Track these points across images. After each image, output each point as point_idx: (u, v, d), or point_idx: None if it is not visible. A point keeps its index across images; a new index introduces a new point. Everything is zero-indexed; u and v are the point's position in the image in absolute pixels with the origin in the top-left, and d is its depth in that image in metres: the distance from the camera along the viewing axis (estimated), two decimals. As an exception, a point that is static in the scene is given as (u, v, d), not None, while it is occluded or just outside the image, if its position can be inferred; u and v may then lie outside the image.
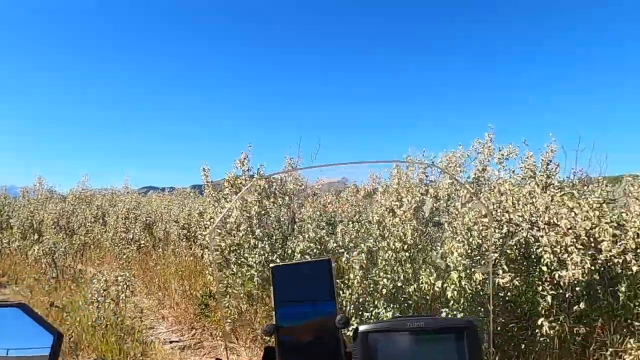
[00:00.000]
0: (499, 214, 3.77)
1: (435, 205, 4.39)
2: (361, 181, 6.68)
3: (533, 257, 4.02)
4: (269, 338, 1.00)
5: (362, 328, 0.80)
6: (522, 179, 4.90)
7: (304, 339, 0.79)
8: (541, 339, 3.63)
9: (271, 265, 0.83)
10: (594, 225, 3.88)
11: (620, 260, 3.80)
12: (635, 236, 3.78)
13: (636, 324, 3.85)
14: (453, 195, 4.42)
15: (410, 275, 3.43)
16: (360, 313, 3.25)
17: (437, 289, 3.28)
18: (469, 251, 3.29)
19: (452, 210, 4.14)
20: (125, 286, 5.16)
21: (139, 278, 7.53)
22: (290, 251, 3.68)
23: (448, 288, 3.44)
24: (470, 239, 3.30)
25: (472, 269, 3.25)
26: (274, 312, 0.79)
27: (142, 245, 8.44)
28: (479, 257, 3.55)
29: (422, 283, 3.34)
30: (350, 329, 0.84)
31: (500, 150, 4.42)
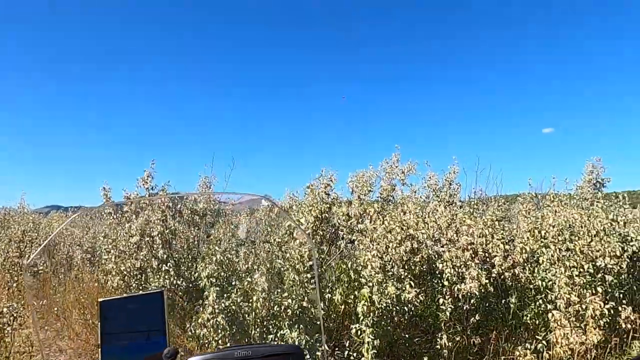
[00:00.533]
0: (402, 231, 3.93)
1: (345, 222, 4.49)
2: (278, 198, 6.66)
3: (437, 272, 4.23)
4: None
5: (192, 359, 0.77)
6: (426, 197, 5.19)
7: None
8: (441, 350, 3.80)
9: (99, 299, 0.77)
10: (488, 242, 4.18)
11: (511, 274, 4.13)
12: (522, 251, 4.12)
13: (525, 333, 4.18)
14: (362, 213, 4.56)
15: (316, 295, 3.43)
16: (265, 336, 3.20)
17: (345, 306, 3.31)
18: (383, 265, 3.38)
19: (362, 227, 4.26)
20: (12, 318, 4.64)
21: (34, 308, 6.85)
22: (197, 275, 3.53)
23: (358, 303, 3.49)
24: (385, 256, 3.39)
25: (385, 284, 3.33)
26: (99, 350, 0.74)
27: (39, 271, 7.70)
28: (391, 273, 3.65)
29: (330, 300, 3.35)
30: None
31: (402, 171, 4.64)
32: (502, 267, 4.06)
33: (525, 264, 4.12)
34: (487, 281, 3.86)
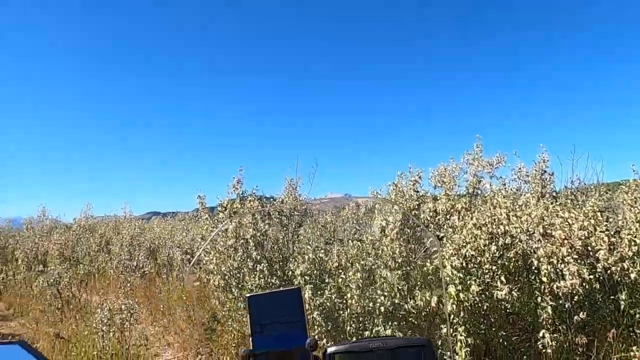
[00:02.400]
0: (493, 226, 3.79)
1: (432, 219, 4.43)
2: (364, 197, 6.73)
3: (533, 268, 4.03)
4: None
5: (330, 350, 0.85)
6: (516, 189, 4.94)
7: None
8: (543, 350, 3.62)
9: (247, 295, 0.88)
10: (590, 234, 3.90)
11: (618, 269, 3.81)
12: (631, 243, 3.79)
13: (638, 331, 3.83)
14: (450, 209, 4.46)
15: (405, 292, 3.44)
16: (360, 331, 3.27)
17: (433, 305, 3.28)
18: (464, 264, 3.31)
19: (449, 224, 4.18)
20: (129, 314, 5.18)
21: (143, 305, 7.55)
22: (290, 273, 3.71)
23: (447, 303, 3.45)
24: (464, 251, 3.32)
25: (468, 282, 3.26)
26: (250, 338, 0.84)
27: (146, 272, 8.47)
28: (474, 269, 3.56)
29: (418, 300, 3.34)
30: (319, 351, 0.89)
31: (489, 163, 4.47)
32: (608, 262, 3.77)
33: (636, 258, 3.79)
34: (591, 277, 3.61)
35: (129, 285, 7.83)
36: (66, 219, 14.60)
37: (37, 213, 14.41)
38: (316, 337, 3.25)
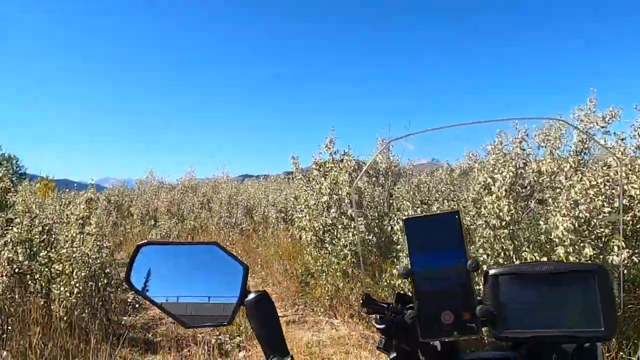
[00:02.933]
0: (606, 187, 3.49)
1: (536, 180, 4.18)
2: (456, 159, 6.51)
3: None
4: (403, 280, 1.05)
5: (492, 271, 0.83)
6: (635, 148, 4.46)
7: (438, 282, 0.84)
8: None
9: (403, 217, 0.90)
10: None
11: None
12: None
13: None
14: (556, 169, 4.17)
15: (511, 252, 3.32)
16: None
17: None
18: (577, 225, 3.11)
19: (556, 185, 3.92)
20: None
21: (242, 258, 8.11)
22: (389, 229, 3.74)
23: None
24: (577, 213, 3.11)
25: (582, 244, 3.07)
26: (408, 259, 0.86)
27: (243, 229, 9.04)
28: (587, 232, 3.33)
29: (524, 260, 3.22)
30: (480, 272, 0.88)
31: (602, 116, 4.06)
32: None
33: None
34: None
35: (229, 239, 8.43)
36: (170, 179, 15.93)
37: (145, 175, 15.90)
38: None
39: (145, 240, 0.85)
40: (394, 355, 0.87)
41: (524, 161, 3.66)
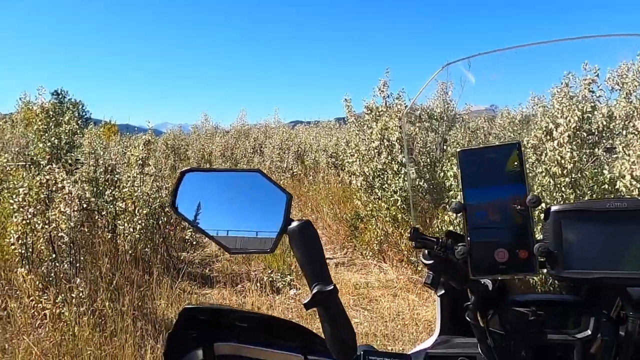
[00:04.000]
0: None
1: (607, 126, 3.87)
2: (518, 104, 6.14)
3: None
4: (456, 215, 1.01)
5: (554, 208, 0.76)
6: None
7: (493, 217, 0.78)
8: None
9: (458, 149, 0.83)
10: None
11: None
12: None
13: None
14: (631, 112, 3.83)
15: (572, 202, 3.15)
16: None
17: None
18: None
19: (630, 130, 3.61)
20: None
21: (294, 202, 8.29)
22: (442, 175, 3.63)
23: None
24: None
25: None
26: (461, 193, 0.81)
27: (294, 173, 9.17)
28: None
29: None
30: (541, 208, 0.82)
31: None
32: None
33: None
34: None
35: (280, 183, 8.59)
36: (224, 124, 16.28)
37: (200, 119, 16.32)
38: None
39: (189, 167, 0.85)
40: (441, 292, 0.84)
41: (592, 105, 3.37)
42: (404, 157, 4.50)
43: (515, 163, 0.77)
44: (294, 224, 0.73)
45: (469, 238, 0.78)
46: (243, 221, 0.78)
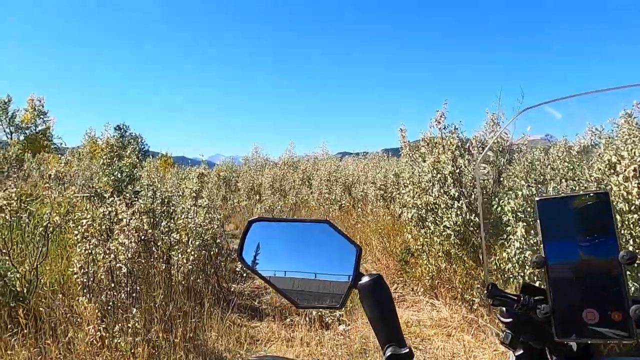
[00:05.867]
0: None
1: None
2: (575, 134, 5.86)
3: None
4: (537, 270, 0.96)
5: None
6: None
7: (578, 275, 0.73)
8: None
9: (536, 198, 0.79)
10: None
11: None
12: None
13: None
14: None
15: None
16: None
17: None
18: None
19: None
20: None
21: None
22: (499, 209, 3.49)
23: None
24: None
25: None
26: (542, 246, 0.76)
27: (343, 205, 9.15)
28: None
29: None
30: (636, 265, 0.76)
31: None
32: None
33: None
34: None
35: (329, 215, 8.60)
36: (274, 157, 16.66)
37: (251, 152, 16.80)
38: (526, 277, 3.05)
39: (257, 217, 0.86)
40: (520, 352, 0.78)
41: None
42: (456, 190, 4.38)
43: (603, 214, 0.71)
44: (365, 279, 0.72)
45: (552, 296, 0.73)
46: (311, 274, 0.77)
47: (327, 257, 0.79)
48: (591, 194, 0.75)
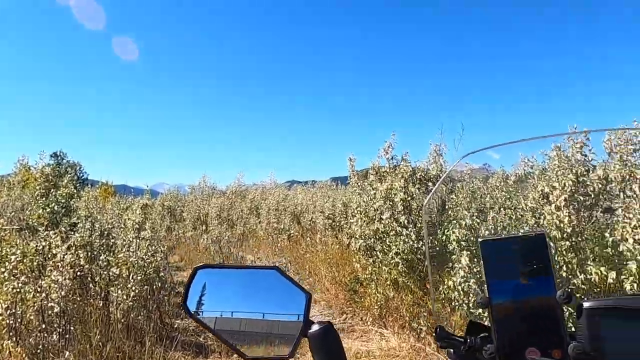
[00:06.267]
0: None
1: (602, 188, 3.90)
2: (511, 165, 6.22)
3: None
4: (481, 310, 0.97)
5: (587, 304, 0.71)
6: None
7: (520, 315, 0.75)
8: None
9: (479, 239, 0.81)
10: None
11: None
12: None
13: None
14: (628, 176, 3.89)
15: (574, 266, 3.11)
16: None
17: (611, 281, 2.92)
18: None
19: (628, 194, 3.64)
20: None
21: (290, 264, 8.16)
22: (444, 238, 3.61)
23: (625, 280, 3.05)
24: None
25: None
26: (485, 286, 0.78)
27: (291, 235, 9.09)
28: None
29: (590, 274, 3.00)
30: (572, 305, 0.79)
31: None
32: None
33: None
34: None
35: (277, 245, 8.50)
36: (221, 186, 16.35)
37: (198, 181, 16.41)
38: (470, 305, 3.14)
39: (202, 264, 0.82)
40: None
41: (586, 168, 3.43)
42: (406, 218, 4.48)
43: (541, 255, 0.75)
44: (315, 327, 0.70)
45: (496, 336, 0.75)
46: (259, 322, 0.75)
47: (275, 304, 0.76)
48: (529, 235, 0.78)
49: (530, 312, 0.74)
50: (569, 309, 0.83)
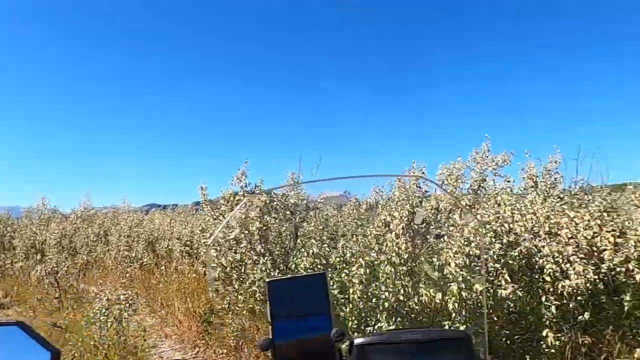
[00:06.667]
0: (497, 225, 3.76)
1: (434, 217, 4.39)
2: (363, 194, 6.69)
3: (536, 267, 4.00)
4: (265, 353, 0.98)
5: (357, 341, 0.78)
6: (524, 189, 4.91)
7: (300, 354, 0.77)
8: (546, 350, 3.59)
9: (267, 279, 0.82)
10: (595, 234, 3.87)
11: (623, 269, 3.79)
12: (638, 244, 3.76)
13: (643, 333, 3.81)
14: (452, 207, 4.43)
15: (410, 289, 3.41)
16: (362, 327, 3.24)
17: (437, 301, 3.26)
18: (468, 262, 3.29)
19: (451, 222, 4.14)
20: (127, 305, 5.12)
21: (141, 296, 7.52)
22: (293, 266, 3.67)
23: (449, 300, 3.43)
24: (468, 250, 3.29)
25: (472, 280, 3.24)
26: (270, 327, 0.79)
27: (144, 263, 8.43)
28: (478, 268, 3.54)
29: (422, 296, 3.32)
30: (346, 342, 0.83)
31: (493, 160, 4.44)
32: (613, 262, 3.75)
33: (642, 259, 3.76)
34: (595, 277, 3.59)
35: (127, 275, 7.79)
36: (65, 209, 14.54)
37: (36, 202, 14.33)
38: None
39: None
40: None
41: (420, 198, 3.84)
42: (262, 246, 4.46)
43: (320, 294, 0.78)
44: None
45: None
46: None
47: None
48: (312, 276, 0.82)
49: (309, 350, 0.77)
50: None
